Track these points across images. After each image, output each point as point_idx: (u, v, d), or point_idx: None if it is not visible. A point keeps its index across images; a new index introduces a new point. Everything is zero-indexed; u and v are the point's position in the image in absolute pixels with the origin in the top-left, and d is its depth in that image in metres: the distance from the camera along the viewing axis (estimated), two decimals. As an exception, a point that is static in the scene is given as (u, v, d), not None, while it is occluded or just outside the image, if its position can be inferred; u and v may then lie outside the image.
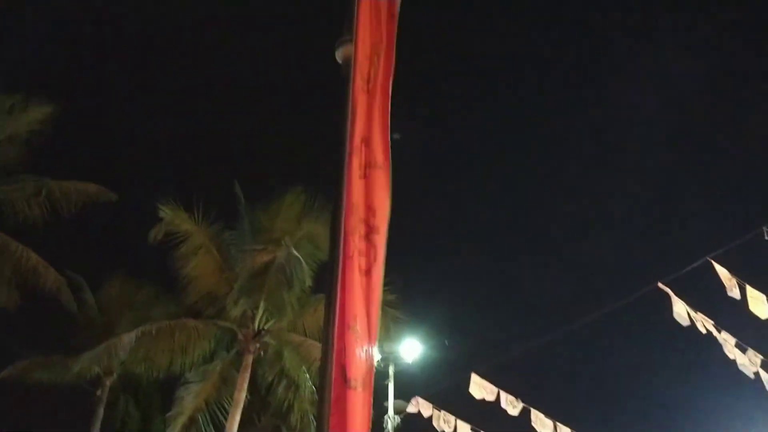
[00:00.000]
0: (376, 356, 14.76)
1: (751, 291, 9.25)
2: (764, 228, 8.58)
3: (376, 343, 3.94)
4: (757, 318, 9.43)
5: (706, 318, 9.92)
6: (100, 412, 17.73)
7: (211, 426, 16.05)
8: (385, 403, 14.94)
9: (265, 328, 15.99)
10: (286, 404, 16.35)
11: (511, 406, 13.27)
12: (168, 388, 16.95)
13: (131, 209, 17.27)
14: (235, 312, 15.53)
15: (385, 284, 4.26)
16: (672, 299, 9.70)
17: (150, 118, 21.14)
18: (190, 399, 15.80)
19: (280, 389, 16.39)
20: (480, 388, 13.17)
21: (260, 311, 15.81)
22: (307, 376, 16.05)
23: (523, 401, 13.41)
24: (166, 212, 15.52)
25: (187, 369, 15.90)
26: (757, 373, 10.54)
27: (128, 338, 14.94)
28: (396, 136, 4.32)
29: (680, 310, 9.66)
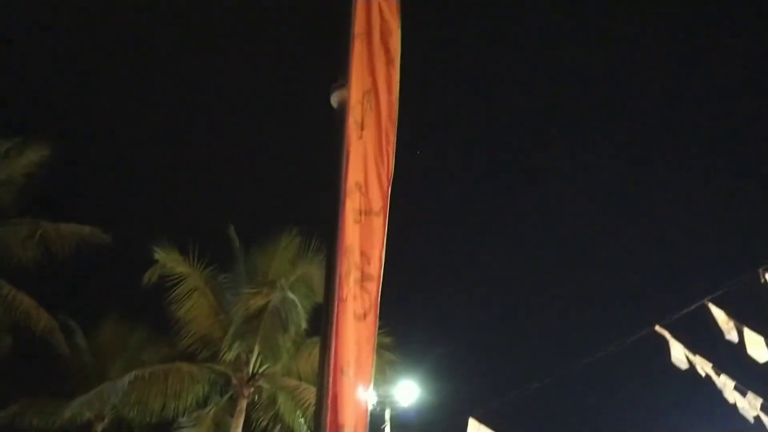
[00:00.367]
0: (373, 400, 14.64)
1: (749, 334, 9.19)
2: (760, 270, 8.56)
3: (372, 388, 3.91)
4: (756, 361, 9.37)
5: (705, 361, 9.84)
6: (92, 458, 17.45)
7: (204, 472, 15.80)
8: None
9: (260, 372, 15.83)
10: (280, 450, 16.14)
11: (509, 451, 13.07)
12: (161, 434, 16.71)
13: (126, 251, 17.21)
14: (230, 356, 15.39)
15: (381, 327, 4.24)
16: (669, 342, 9.64)
17: (146, 161, 21.21)
18: (183, 444, 15.59)
19: (275, 434, 16.19)
20: (478, 433, 12.97)
21: (255, 355, 15.67)
22: (302, 420, 15.84)
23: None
24: (160, 254, 15.49)
25: (180, 414, 15.69)
26: (757, 417, 10.43)
27: (121, 382, 14.78)
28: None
29: (678, 354, 9.59)
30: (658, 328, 9.68)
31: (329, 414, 3.66)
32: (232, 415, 15.43)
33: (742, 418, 10.28)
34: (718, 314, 9.22)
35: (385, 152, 4.36)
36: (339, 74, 4.51)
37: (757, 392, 10.48)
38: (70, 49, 19.92)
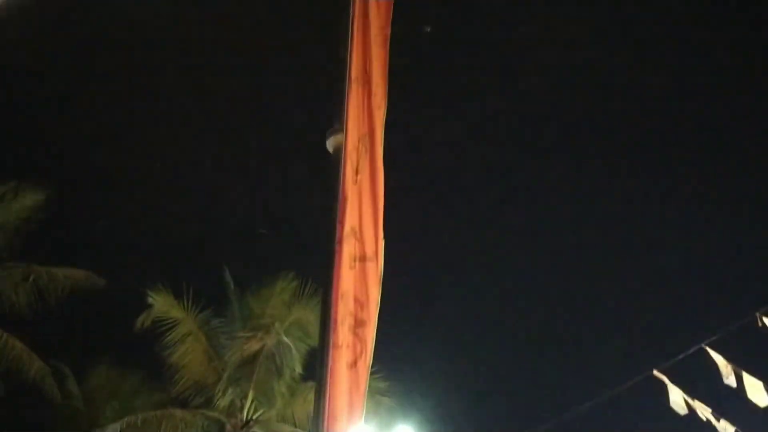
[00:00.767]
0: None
1: (747, 378, 9.12)
2: (758, 313, 8.53)
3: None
4: (756, 405, 9.28)
5: (704, 406, 9.74)
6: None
7: None
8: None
9: (254, 418, 15.64)
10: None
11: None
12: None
13: (119, 295, 17.11)
14: (224, 402, 15.23)
15: (377, 372, 4.23)
16: (668, 387, 9.55)
17: (141, 204, 21.21)
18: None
19: (269, 482, 15.92)
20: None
21: (249, 401, 15.50)
22: (297, 467, 15.62)
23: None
24: (154, 298, 15.43)
25: (173, 461, 15.45)
26: (758, 463, 10.29)
27: (113, 429, 14.61)
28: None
29: (677, 398, 9.50)
30: (656, 372, 9.60)
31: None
32: (225, 463, 15.20)
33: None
34: (717, 358, 9.16)
35: (379, 196, 4.38)
36: (335, 119, 4.55)
37: (758, 437, 10.36)
38: (66, 94, 20.08)
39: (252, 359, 15.07)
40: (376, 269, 4.15)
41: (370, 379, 4.03)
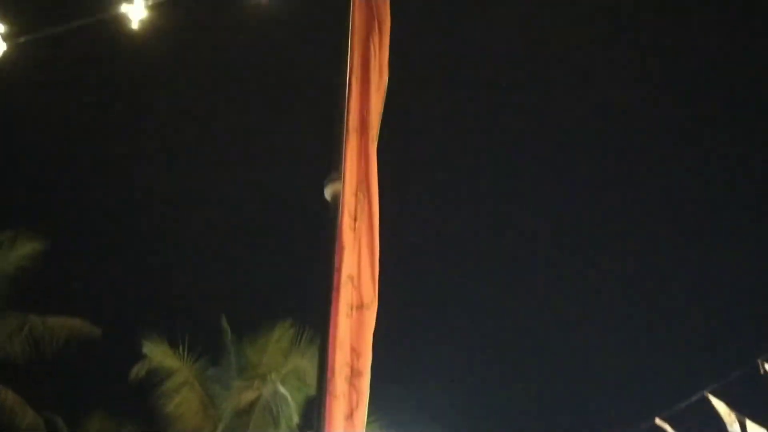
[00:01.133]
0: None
1: (751, 426, 9.01)
2: (760, 360, 8.47)
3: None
4: (760, 454, 9.14)
5: (708, 455, 9.61)
6: None
7: None
8: None
9: (250, 469, 15.38)
10: None
11: None
12: None
13: (115, 345, 16.98)
14: (219, 453, 15.01)
15: (373, 420, 4.19)
16: (671, 436, 9.43)
17: (137, 253, 21.18)
18: None
19: None
20: None
21: (245, 451, 15.28)
22: None
23: None
24: (149, 348, 15.33)
25: None
26: None
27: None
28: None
29: (680, 447, 9.37)
30: (658, 420, 9.48)
31: None
32: None
33: None
34: (720, 406, 9.05)
35: (375, 244, 4.37)
36: (333, 167, 4.57)
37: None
38: (61, 144, 20.23)
39: (248, 409, 14.91)
40: (371, 317, 4.14)
41: (367, 429, 3.99)
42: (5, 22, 4.51)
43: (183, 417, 15.52)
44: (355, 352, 3.97)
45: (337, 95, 4.59)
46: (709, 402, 9.09)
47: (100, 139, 20.95)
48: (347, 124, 4.52)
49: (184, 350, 15.71)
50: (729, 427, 9.10)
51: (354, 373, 3.93)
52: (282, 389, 14.62)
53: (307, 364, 15.34)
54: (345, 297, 4.00)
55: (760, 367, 8.49)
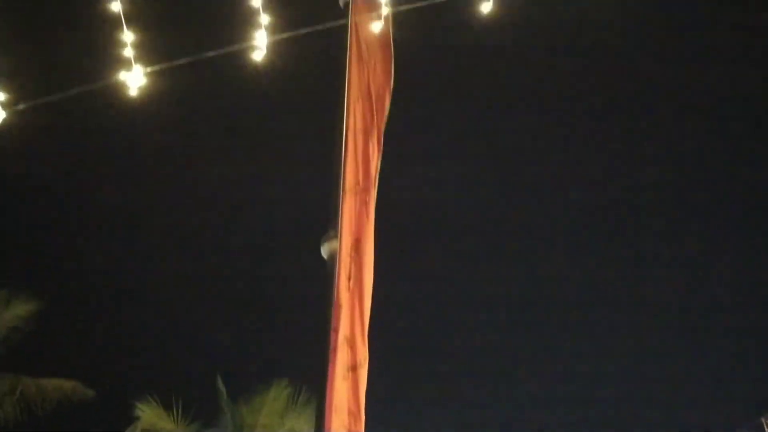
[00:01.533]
0: None
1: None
2: (762, 420, 8.40)
3: None
4: None
5: None
6: None
7: None
8: None
9: None
10: None
11: None
12: None
13: (108, 406, 16.73)
14: None
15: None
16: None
17: (131, 313, 21.08)
18: None
19: None
20: None
21: None
22: None
23: None
24: (142, 410, 15.11)
25: None
26: None
27: None
28: None
29: None
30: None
31: None
32: None
33: None
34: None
35: (366, 304, 4.38)
36: (330, 225, 4.59)
37: None
38: (57, 207, 20.34)
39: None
40: (364, 376, 4.13)
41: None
42: (4, 90, 4.57)
43: (177, 481, 15.21)
44: (352, 415, 3.94)
45: (334, 155, 4.64)
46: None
47: (95, 202, 21.07)
48: (343, 185, 4.57)
49: (178, 412, 15.47)
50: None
51: None
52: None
53: (303, 425, 15.12)
54: (341, 358, 3.98)
55: (764, 426, 8.41)
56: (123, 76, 4.41)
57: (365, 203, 4.61)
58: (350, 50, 4.59)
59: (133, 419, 15.14)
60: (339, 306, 4.19)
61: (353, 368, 4.07)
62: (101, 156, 19.81)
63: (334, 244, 4.50)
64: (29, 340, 15.95)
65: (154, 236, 21.59)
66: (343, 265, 4.38)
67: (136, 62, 4.30)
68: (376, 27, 4.49)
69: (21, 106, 4.52)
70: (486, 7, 4.15)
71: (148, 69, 4.31)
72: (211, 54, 4.08)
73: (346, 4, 5.07)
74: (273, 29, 4.23)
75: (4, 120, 4.56)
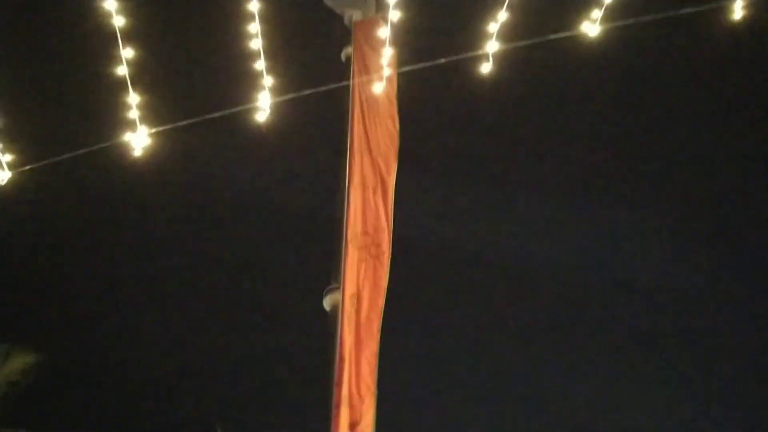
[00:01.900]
0: None
1: None
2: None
3: None
4: None
5: None
6: None
7: None
8: None
9: None
10: None
11: None
12: None
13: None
14: None
15: None
16: None
17: (130, 367, 20.93)
18: None
19: None
20: None
21: None
22: None
23: None
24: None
25: None
26: None
27: None
28: None
29: None
30: None
31: None
32: None
33: None
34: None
35: (370, 356, 4.34)
36: (333, 278, 4.61)
37: None
38: (57, 263, 20.37)
39: None
40: (368, 429, 4.09)
41: None
42: (10, 150, 4.63)
43: None
44: None
45: (336, 210, 4.69)
46: None
47: (98, 260, 21.08)
48: (346, 237, 4.60)
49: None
50: None
51: None
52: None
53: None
54: (344, 415, 3.96)
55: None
56: (128, 136, 4.46)
57: (374, 256, 4.64)
58: (352, 109, 4.68)
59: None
60: (342, 359, 4.19)
61: (353, 426, 4.04)
62: (104, 214, 19.90)
63: (336, 295, 4.51)
64: (28, 394, 15.81)
65: (155, 293, 21.58)
66: (346, 317, 4.38)
67: (140, 123, 4.36)
68: (379, 87, 4.57)
69: (27, 167, 4.57)
70: (486, 68, 4.25)
71: (153, 130, 4.37)
72: (214, 115, 4.15)
73: (348, 58, 5.18)
74: (276, 90, 4.31)
75: (10, 180, 4.60)
